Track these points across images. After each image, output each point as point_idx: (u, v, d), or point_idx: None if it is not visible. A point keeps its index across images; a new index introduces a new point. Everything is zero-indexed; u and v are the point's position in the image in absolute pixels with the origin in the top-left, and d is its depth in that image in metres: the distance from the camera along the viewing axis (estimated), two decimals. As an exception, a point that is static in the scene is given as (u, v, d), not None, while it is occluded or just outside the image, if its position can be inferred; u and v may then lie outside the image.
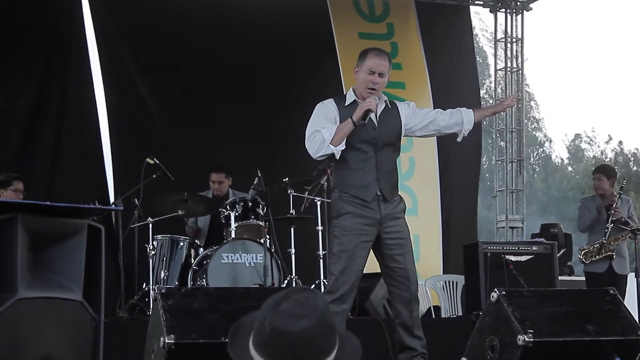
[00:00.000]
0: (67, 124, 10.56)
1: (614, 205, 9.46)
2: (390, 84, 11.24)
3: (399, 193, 6.48)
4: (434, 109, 6.77)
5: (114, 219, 9.03)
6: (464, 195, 12.34)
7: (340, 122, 6.23)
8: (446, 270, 11.16)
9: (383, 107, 6.39)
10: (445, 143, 11.56)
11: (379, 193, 6.25)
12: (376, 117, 6.31)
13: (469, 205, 12.49)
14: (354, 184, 6.25)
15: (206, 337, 5.21)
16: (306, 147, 6.31)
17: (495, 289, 5.87)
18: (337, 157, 6.20)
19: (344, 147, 6.18)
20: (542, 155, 41.64)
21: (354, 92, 6.39)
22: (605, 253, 9.43)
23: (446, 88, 12.11)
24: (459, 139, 6.73)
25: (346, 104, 6.34)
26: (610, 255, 9.44)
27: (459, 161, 12.16)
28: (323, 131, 6.17)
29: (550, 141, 41.63)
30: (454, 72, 12.39)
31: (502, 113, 12.83)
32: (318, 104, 6.43)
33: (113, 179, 10.66)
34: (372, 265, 10.73)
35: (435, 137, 11.11)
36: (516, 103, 6.50)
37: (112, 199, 9.81)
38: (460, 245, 11.71)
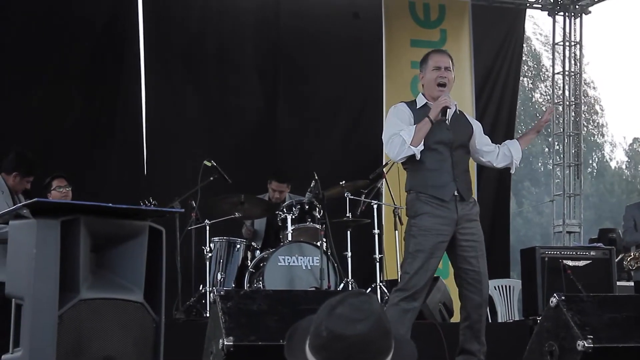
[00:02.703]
0: (115, 125, 10.68)
1: None
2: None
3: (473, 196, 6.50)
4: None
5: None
6: (498, 204, 12.25)
7: (414, 124, 6.28)
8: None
9: (454, 109, 6.42)
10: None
11: (456, 193, 6.26)
12: (448, 118, 6.33)
13: (502, 214, 12.40)
14: (431, 184, 6.26)
15: (265, 340, 5.24)
16: (385, 150, 6.38)
17: (555, 294, 5.83)
18: (418, 157, 6.22)
19: (423, 147, 6.21)
20: (602, 159, 41.21)
21: (423, 96, 6.42)
22: None
23: (488, 98, 12.08)
24: (512, 171, 6.85)
25: (418, 107, 6.38)
26: None
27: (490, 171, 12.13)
28: (402, 133, 6.20)
29: (614, 146, 41.16)
30: (499, 80, 12.31)
31: (561, 118, 12.80)
32: (391, 108, 6.50)
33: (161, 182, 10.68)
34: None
35: None
36: (552, 116, 6.61)
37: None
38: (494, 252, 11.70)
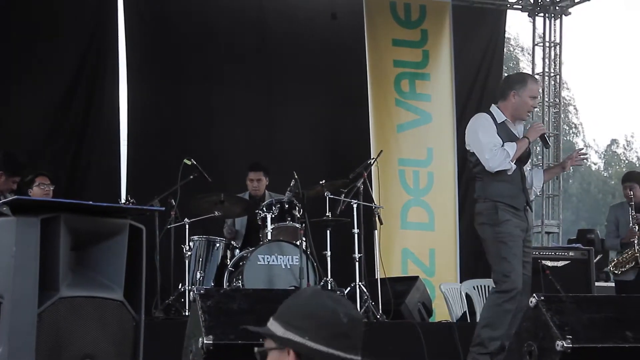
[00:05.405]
0: (92, 123, 10.64)
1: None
2: (417, 95, 11.29)
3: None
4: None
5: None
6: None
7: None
8: (462, 279, 11.03)
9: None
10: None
11: (525, 203, 6.77)
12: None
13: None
14: (508, 194, 6.71)
15: (245, 339, 5.23)
16: (485, 157, 6.70)
17: (534, 294, 5.85)
18: (511, 172, 6.69)
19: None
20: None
21: (500, 111, 6.83)
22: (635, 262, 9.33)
23: (469, 99, 12.11)
24: (531, 197, 7.17)
25: (499, 122, 6.80)
26: None
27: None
28: (506, 147, 6.66)
29: (588, 147, 41.37)
30: (479, 80, 12.34)
31: (539, 118, 12.85)
32: (477, 115, 6.96)
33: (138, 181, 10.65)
34: (408, 268, 10.77)
35: (455, 152, 11.18)
36: (584, 160, 7.52)
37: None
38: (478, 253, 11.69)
